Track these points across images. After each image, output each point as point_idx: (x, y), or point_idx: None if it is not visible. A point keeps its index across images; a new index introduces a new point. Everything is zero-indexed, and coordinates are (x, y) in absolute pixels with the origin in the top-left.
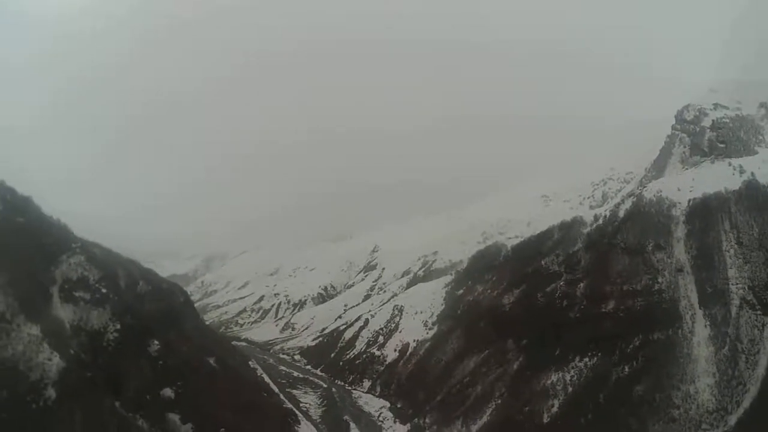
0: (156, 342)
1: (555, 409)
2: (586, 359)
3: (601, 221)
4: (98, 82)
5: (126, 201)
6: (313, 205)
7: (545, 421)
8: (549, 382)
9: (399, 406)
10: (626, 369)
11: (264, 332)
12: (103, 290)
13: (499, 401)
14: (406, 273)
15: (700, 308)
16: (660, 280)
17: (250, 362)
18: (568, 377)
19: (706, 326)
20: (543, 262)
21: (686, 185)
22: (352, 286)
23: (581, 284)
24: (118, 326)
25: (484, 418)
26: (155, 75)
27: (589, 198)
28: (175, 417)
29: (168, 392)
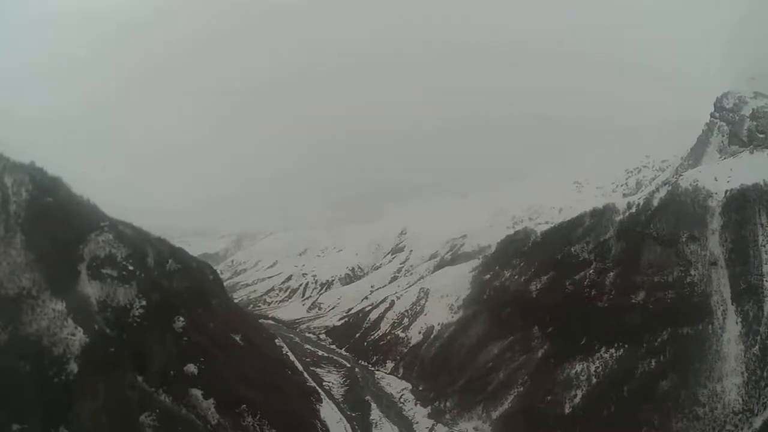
0: (182, 319)
1: (577, 399)
2: (612, 350)
3: (634, 209)
4: (168, 70)
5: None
6: (342, 186)
7: (566, 411)
8: (573, 371)
9: (421, 388)
10: (653, 363)
11: (291, 311)
12: (131, 267)
13: (521, 389)
14: (433, 256)
15: (732, 304)
16: (692, 272)
17: (276, 340)
18: (592, 368)
19: (737, 323)
20: (573, 250)
21: (723, 175)
22: (379, 267)
23: (611, 273)
24: (144, 303)
25: (505, 405)
26: (217, 72)
27: (622, 185)
28: (197, 392)
29: (191, 368)
